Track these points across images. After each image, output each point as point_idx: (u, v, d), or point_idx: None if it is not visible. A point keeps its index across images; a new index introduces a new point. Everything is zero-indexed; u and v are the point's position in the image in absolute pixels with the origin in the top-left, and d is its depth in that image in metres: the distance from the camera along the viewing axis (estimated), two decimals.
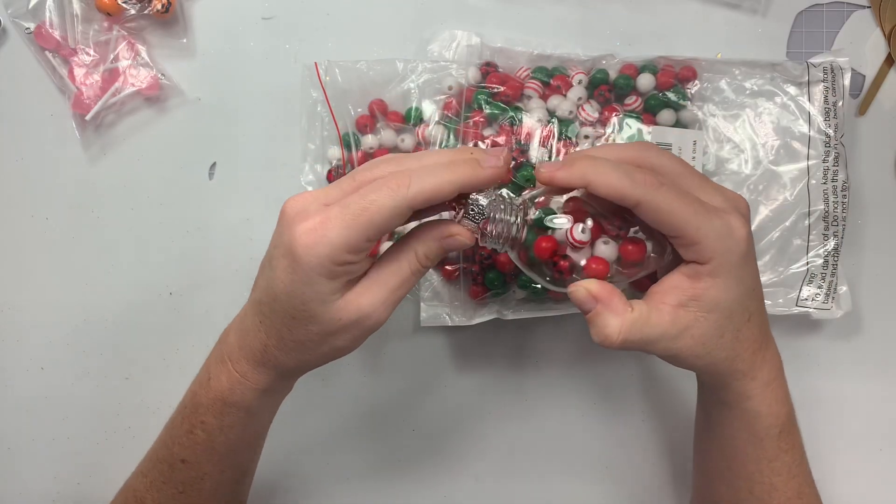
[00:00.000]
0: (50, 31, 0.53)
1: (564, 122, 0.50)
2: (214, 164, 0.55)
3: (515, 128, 0.50)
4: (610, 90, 0.51)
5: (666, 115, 0.50)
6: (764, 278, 0.51)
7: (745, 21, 0.55)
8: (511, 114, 0.50)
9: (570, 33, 0.55)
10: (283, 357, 0.39)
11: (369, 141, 0.52)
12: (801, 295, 0.51)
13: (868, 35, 0.55)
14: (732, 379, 0.39)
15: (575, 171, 0.36)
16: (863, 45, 0.55)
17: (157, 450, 0.45)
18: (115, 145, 0.55)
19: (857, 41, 0.55)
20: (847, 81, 0.51)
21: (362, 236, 0.35)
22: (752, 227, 0.51)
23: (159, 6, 0.52)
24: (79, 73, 0.53)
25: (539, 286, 0.50)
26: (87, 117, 0.53)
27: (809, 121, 0.51)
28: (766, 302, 0.51)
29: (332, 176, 0.53)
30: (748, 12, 0.55)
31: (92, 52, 0.53)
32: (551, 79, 0.51)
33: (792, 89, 0.52)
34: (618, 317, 0.37)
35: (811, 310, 0.51)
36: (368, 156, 0.52)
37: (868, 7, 0.55)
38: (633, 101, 0.51)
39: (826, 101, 0.51)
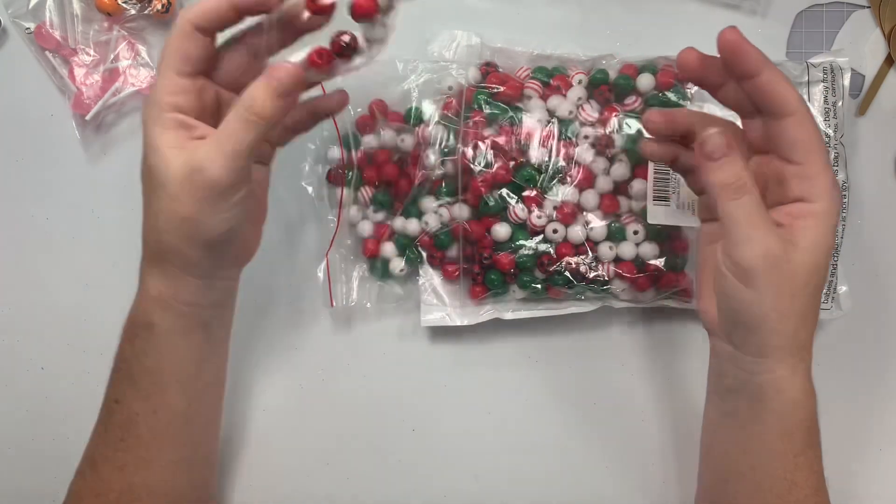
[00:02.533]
0: (50, 31, 0.53)
1: (564, 122, 0.50)
2: None
3: (515, 128, 0.50)
4: (610, 90, 0.51)
5: None
6: None
7: (744, 21, 0.55)
8: (511, 114, 0.50)
9: (570, 33, 0.55)
10: (153, 243, 0.40)
11: (370, 141, 0.52)
12: None
13: (868, 35, 0.55)
14: (789, 354, 0.38)
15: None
16: (862, 45, 0.55)
17: (103, 403, 0.44)
18: (115, 145, 0.55)
19: (857, 41, 0.55)
20: (847, 82, 0.51)
21: (170, 69, 0.38)
22: None
23: (159, 6, 0.52)
24: (79, 73, 0.53)
25: (539, 286, 0.50)
26: (88, 117, 0.53)
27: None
28: None
29: (332, 176, 0.53)
30: (748, 13, 0.55)
31: (92, 53, 0.53)
32: (551, 79, 0.51)
33: None
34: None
35: None
36: (369, 156, 0.53)
37: (868, 7, 0.55)
38: (633, 101, 0.51)
39: (826, 101, 0.51)
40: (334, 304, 0.52)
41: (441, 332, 0.54)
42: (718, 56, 0.37)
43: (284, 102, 0.37)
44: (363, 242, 0.52)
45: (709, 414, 0.44)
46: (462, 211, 0.50)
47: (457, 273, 0.51)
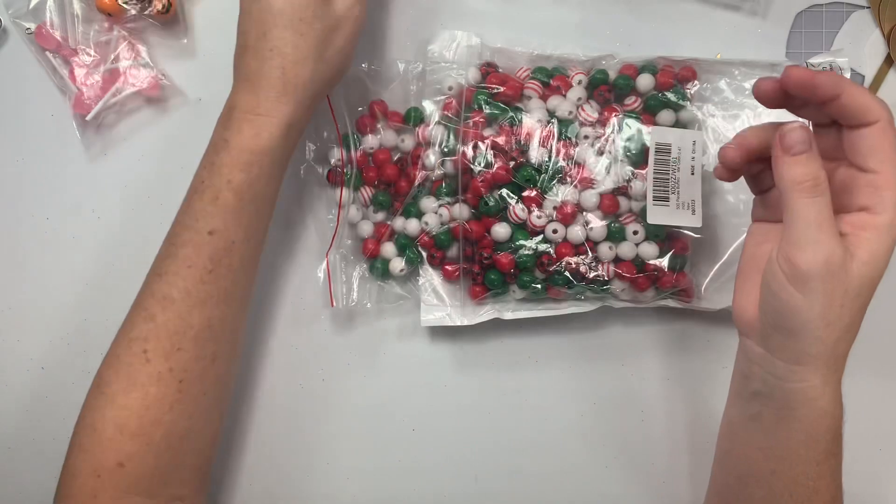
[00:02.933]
0: (50, 31, 0.53)
1: (564, 123, 0.50)
2: None
3: (515, 128, 0.50)
4: (609, 90, 0.51)
5: (665, 115, 0.50)
6: None
7: (744, 21, 0.55)
8: (511, 114, 0.50)
9: (570, 33, 0.55)
10: (300, 69, 0.43)
11: (370, 141, 0.52)
12: None
13: (867, 35, 0.55)
14: (824, 365, 0.37)
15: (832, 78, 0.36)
16: (862, 46, 0.55)
17: (172, 242, 0.45)
18: (115, 145, 0.55)
19: (857, 41, 0.55)
20: None
21: None
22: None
23: (160, 6, 0.52)
24: (79, 73, 0.53)
25: (538, 286, 0.50)
26: (88, 117, 0.53)
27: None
28: None
29: (332, 176, 0.53)
30: (748, 13, 0.55)
31: (92, 53, 0.53)
32: (551, 79, 0.51)
33: None
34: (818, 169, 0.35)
35: None
36: (369, 156, 0.53)
37: (867, 7, 0.55)
38: (632, 102, 0.51)
39: None
40: (335, 304, 0.52)
41: (441, 332, 0.54)
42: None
43: None
44: (363, 242, 0.52)
45: (730, 415, 0.43)
46: (462, 211, 0.50)
47: (457, 273, 0.51)
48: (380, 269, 0.52)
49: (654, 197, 0.49)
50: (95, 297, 0.55)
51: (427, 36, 0.54)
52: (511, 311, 0.51)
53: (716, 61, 0.52)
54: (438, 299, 0.52)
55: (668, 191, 0.49)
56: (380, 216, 0.53)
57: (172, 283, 0.44)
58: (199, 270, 0.43)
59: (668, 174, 0.49)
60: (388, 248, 0.52)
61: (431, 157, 0.50)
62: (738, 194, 0.52)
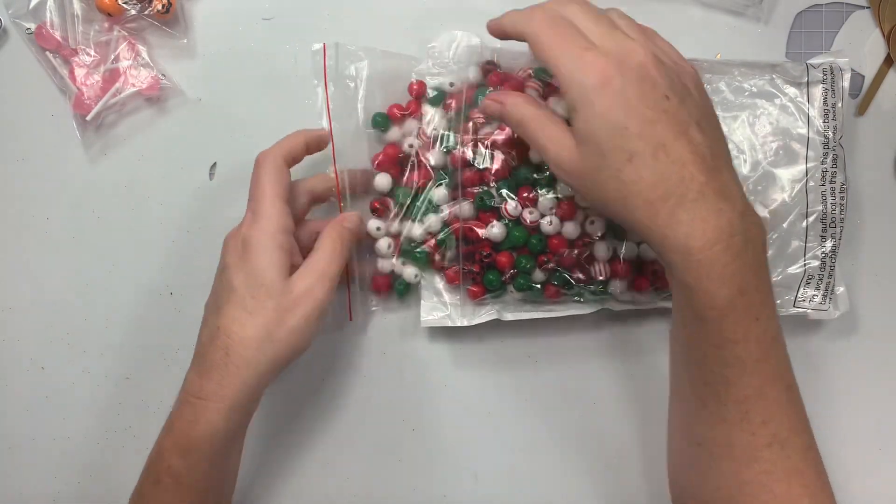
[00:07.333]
0: (50, 31, 0.53)
1: None
2: (214, 164, 0.55)
3: None
4: None
5: None
6: None
7: (744, 22, 0.55)
8: None
9: None
10: (244, 350, 0.42)
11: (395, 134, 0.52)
12: (799, 296, 0.51)
13: (867, 35, 0.55)
14: (641, 233, 0.38)
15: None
16: (862, 46, 0.55)
17: None
18: (115, 145, 0.55)
19: (857, 41, 0.55)
20: (846, 83, 0.51)
21: (278, 197, 0.44)
22: None
23: (160, 6, 0.52)
24: (79, 73, 0.53)
25: (535, 286, 0.50)
26: (88, 118, 0.53)
27: (808, 122, 0.51)
28: None
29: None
30: (749, 16, 0.55)
31: (92, 53, 0.53)
32: (552, 78, 0.51)
33: (791, 90, 0.52)
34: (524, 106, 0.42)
35: (808, 310, 0.51)
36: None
37: (867, 7, 0.55)
38: None
39: (825, 102, 0.51)
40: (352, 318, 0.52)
41: (441, 332, 0.54)
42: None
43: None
44: (372, 280, 0.52)
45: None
46: (462, 209, 0.50)
47: (458, 277, 0.51)
48: (402, 290, 0.52)
49: None
50: (96, 296, 0.55)
51: (427, 36, 0.54)
52: (511, 312, 0.51)
53: (716, 61, 0.52)
54: (439, 299, 0.52)
55: None
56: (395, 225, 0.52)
57: None
58: None
59: None
60: (398, 268, 0.52)
61: (431, 157, 0.50)
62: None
